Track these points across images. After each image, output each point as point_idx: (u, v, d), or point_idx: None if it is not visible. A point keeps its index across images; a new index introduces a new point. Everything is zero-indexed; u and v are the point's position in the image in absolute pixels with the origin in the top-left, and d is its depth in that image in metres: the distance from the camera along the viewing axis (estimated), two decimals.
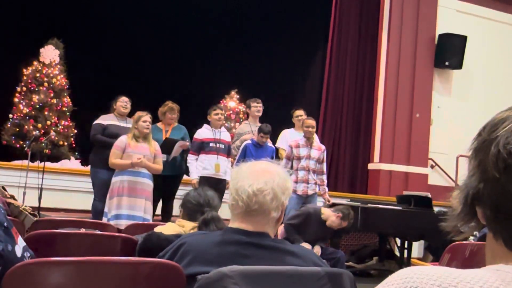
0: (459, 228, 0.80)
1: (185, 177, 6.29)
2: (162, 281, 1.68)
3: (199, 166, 5.87)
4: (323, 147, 6.21)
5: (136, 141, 5.21)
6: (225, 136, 6.08)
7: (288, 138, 6.62)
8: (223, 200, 5.39)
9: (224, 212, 3.21)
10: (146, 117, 5.25)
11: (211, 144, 5.88)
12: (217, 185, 5.57)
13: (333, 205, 6.15)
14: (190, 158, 5.92)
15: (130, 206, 5.03)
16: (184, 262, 1.66)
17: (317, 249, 5.06)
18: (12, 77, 8.85)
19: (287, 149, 6.22)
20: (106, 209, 5.15)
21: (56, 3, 9.40)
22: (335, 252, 5.21)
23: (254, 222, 1.66)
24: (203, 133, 5.96)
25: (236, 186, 1.67)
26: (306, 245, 4.89)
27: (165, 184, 5.83)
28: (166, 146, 5.78)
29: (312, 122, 6.10)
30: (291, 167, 5.92)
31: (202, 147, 5.88)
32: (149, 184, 5.22)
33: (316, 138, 6.29)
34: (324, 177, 6.14)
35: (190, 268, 1.63)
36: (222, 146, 5.94)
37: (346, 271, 1.68)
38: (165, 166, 5.76)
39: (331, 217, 5.05)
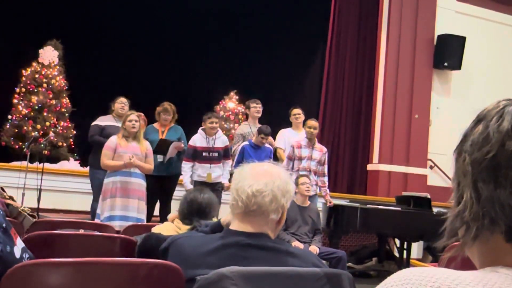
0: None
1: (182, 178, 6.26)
2: (161, 282, 1.68)
3: (194, 173, 5.82)
4: (324, 149, 6.18)
5: (126, 141, 5.15)
6: (220, 142, 5.92)
7: (286, 137, 6.58)
8: (222, 201, 5.39)
9: (223, 213, 3.21)
10: (132, 116, 5.18)
11: (204, 154, 5.79)
12: (213, 187, 5.53)
13: (333, 206, 6.16)
14: (184, 165, 5.79)
15: (123, 207, 4.98)
16: (185, 265, 1.66)
17: (315, 249, 5.06)
18: (11, 78, 8.85)
19: (288, 149, 6.19)
20: (98, 211, 5.07)
21: (55, 5, 9.40)
22: (336, 252, 5.21)
23: (253, 223, 1.66)
24: (197, 140, 5.84)
25: (236, 186, 1.67)
26: (299, 244, 4.89)
27: (162, 185, 5.81)
28: (161, 147, 5.75)
29: (314, 123, 6.07)
30: (292, 168, 5.90)
31: (196, 156, 5.81)
32: (141, 184, 5.16)
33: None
34: (325, 178, 6.12)
35: (190, 271, 1.63)
36: (215, 154, 5.85)
37: (345, 271, 1.68)
38: (162, 167, 5.74)
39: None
